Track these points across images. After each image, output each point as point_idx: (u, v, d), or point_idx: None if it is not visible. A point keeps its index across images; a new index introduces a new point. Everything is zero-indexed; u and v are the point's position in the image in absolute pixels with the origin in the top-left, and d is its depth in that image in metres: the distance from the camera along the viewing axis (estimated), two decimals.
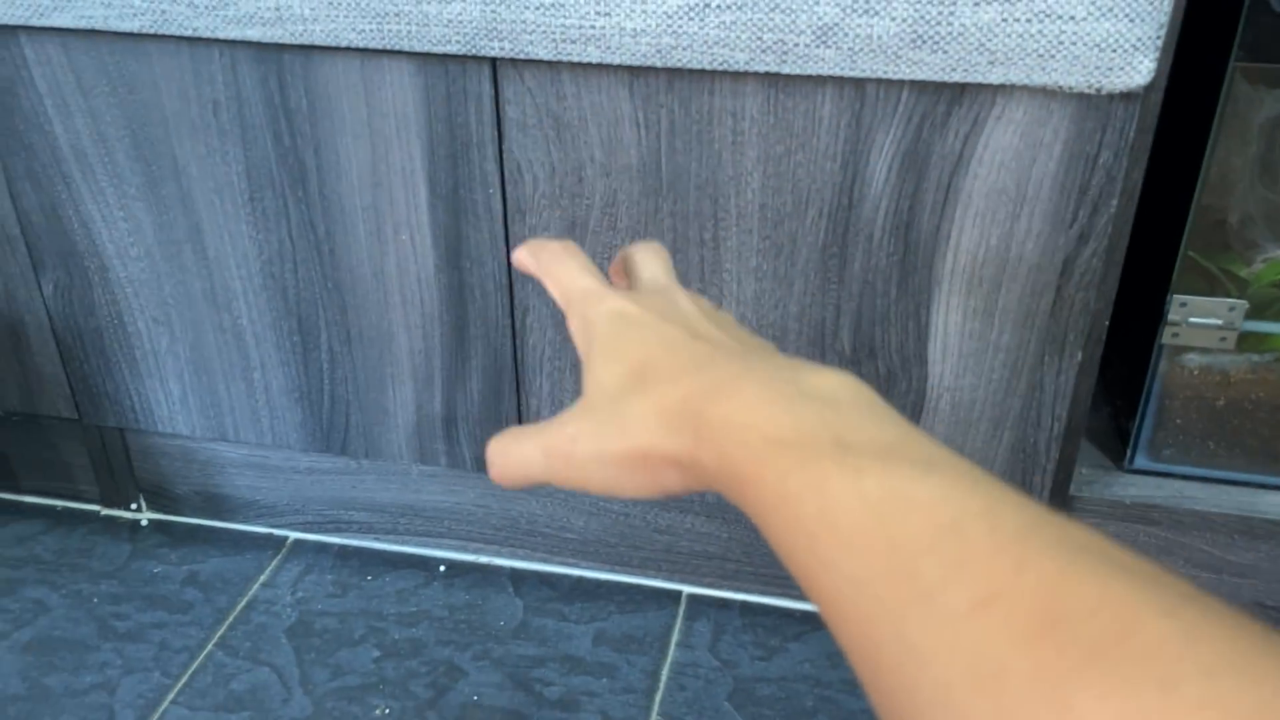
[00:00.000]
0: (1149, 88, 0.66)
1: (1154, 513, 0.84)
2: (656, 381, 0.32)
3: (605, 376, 0.33)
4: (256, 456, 1.01)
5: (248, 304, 0.88)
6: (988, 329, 0.77)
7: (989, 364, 0.78)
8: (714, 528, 0.94)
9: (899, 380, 0.80)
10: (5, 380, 0.98)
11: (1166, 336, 0.81)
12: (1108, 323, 0.76)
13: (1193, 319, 0.80)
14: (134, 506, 1.07)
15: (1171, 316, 0.80)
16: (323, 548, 1.03)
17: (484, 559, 1.01)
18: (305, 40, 0.73)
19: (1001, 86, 0.67)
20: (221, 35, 0.74)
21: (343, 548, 1.03)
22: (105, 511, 1.08)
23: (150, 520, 1.07)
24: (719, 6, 0.66)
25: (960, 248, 0.74)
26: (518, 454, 0.36)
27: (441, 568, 1.00)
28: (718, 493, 0.30)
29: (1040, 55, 0.64)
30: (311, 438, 0.94)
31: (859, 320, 0.78)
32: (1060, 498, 0.83)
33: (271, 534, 1.04)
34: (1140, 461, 0.86)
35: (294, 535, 1.04)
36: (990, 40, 0.64)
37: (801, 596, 0.96)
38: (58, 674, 0.89)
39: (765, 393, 0.29)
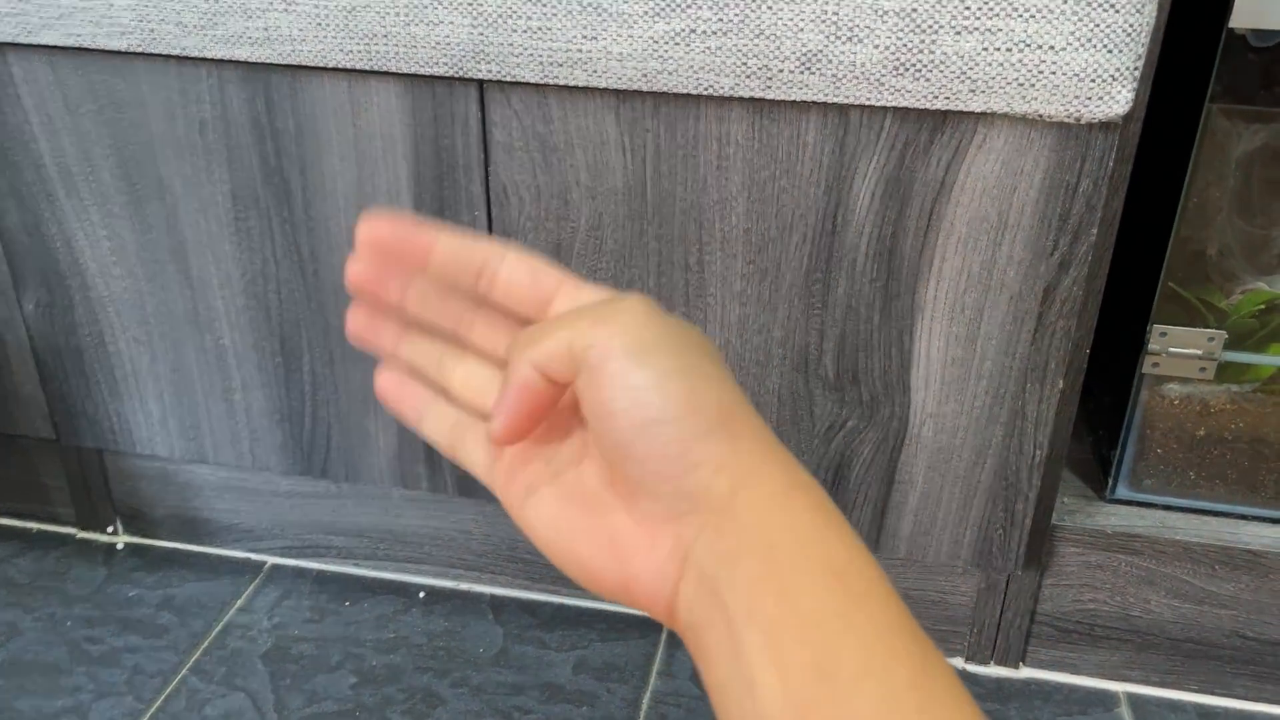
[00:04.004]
0: (1128, 118, 0.67)
1: (1136, 543, 0.84)
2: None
3: None
4: (236, 480, 1.00)
5: (230, 324, 0.88)
6: (970, 356, 0.77)
7: (971, 391, 0.78)
8: None
9: (882, 406, 0.80)
10: None
11: (1147, 366, 0.81)
12: (1089, 351, 0.77)
13: (1173, 349, 0.81)
14: (110, 530, 1.06)
15: (1152, 346, 0.81)
16: (301, 573, 1.02)
17: (464, 585, 1.00)
18: (293, 60, 0.73)
19: (983, 115, 0.68)
20: (210, 55, 0.74)
21: (321, 573, 1.02)
22: (81, 534, 1.06)
23: (126, 544, 1.05)
24: (704, 32, 0.66)
25: (943, 274, 0.75)
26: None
27: (421, 594, 0.99)
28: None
29: (1020, 84, 0.65)
30: (292, 460, 0.94)
31: (843, 346, 0.78)
32: (1042, 527, 0.83)
33: (249, 558, 1.03)
34: (1122, 491, 0.86)
35: (272, 560, 1.03)
36: (971, 69, 0.65)
37: None
38: (29, 697, 0.88)
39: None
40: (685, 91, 0.69)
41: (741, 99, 0.70)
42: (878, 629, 0.27)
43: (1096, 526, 0.85)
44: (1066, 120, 0.66)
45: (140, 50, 0.75)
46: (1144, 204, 0.81)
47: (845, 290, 0.76)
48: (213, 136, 0.80)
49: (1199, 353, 0.80)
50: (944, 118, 0.69)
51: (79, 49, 0.78)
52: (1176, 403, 0.83)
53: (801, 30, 0.65)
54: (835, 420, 0.81)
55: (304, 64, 0.74)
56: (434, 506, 0.97)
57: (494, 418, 0.32)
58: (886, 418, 0.81)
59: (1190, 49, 0.75)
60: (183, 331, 0.89)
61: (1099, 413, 0.92)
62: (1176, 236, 0.78)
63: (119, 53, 0.77)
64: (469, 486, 0.92)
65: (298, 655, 0.92)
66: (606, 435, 0.31)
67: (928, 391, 0.79)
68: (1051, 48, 0.63)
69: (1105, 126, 0.67)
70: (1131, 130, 0.68)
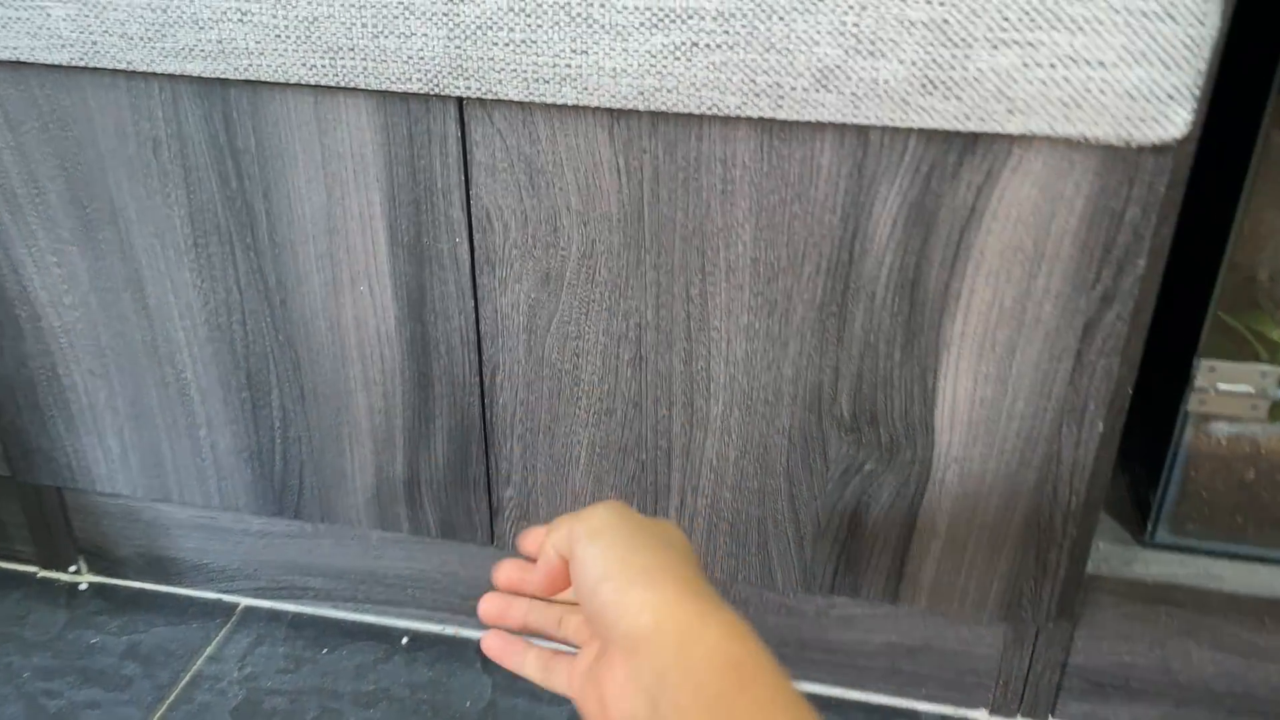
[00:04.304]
0: (1183, 139, 0.60)
1: (1177, 593, 0.78)
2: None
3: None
4: (205, 517, 0.93)
5: (192, 357, 0.81)
6: (1000, 396, 0.70)
7: (1001, 434, 0.71)
8: None
9: (903, 450, 0.73)
10: None
11: (1193, 404, 0.74)
12: (1131, 390, 0.70)
13: (1221, 385, 0.74)
14: (73, 569, 0.99)
15: (1199, 382, 0.74)
16: (276, 615, 0.95)
17: (450, 630, 0.93)
18: (250, 75, 0.66)
19: (1019, 136, 0.61)
20: (159, 69, 0.67)
21: (297, 615, 0.95)
22: (42, 574, 1.00)
23: (90, 584, 0.99)
24: (708, 46, 0.59)
25: (971, 308, 0.67)
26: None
27: (404, 639, 0.93)
28: None
29: (1064, 104, 0.57)
30: (262, 500, 0.87)
31: (860, 384, 0.71)
32: (1076, 576, 0.76)
33: (221, 600, 0.97)
34: (1162, 536, 0.79)
35: (245, 601, 0.96)
36: (1009, 87, 0.57)
37: None
38: None
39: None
40: (687, 111, 0.62)
41: (749, 119, 0.63)
42: (765, 698, 0.37)
43: (1135, 575, 0.78)
44: (1115, 143, 0.59)
45: (83, 64, 0.68)
46: (1191, 224, 0.74)
47: (863, 325, 0.69)
48: (167, 156, 0.73)
49: (1250, 389, 0.73)
50: (975, 138, 0.62)
51: (17, 63, 0.71)
52: (1224, 443, 0.76)
53: (817, 44, 0.58)
54: (851, 463, 0.75)
55: (263, 79, 0.66)
56: (416, 547, 0.91)
57: (534, 582, 0.47)
58: (907, 461, 0.74)
59: (1247, 57, 0.67)
60: (141, 364, 0.82)
61: (1138, 451, 0.85)
62: (1229, 262, 0.71)
63: (61, 67, 0.70)
64: (452, 527, 0.85)
65: (270, 710, 0.86)
66: (581, 599, 0.42)
67: (953, 434, 0.72)
68: (1101, 64, 0.56)
69: (1157, 149, 0.60)
70: (1186, 152, 0.61)
